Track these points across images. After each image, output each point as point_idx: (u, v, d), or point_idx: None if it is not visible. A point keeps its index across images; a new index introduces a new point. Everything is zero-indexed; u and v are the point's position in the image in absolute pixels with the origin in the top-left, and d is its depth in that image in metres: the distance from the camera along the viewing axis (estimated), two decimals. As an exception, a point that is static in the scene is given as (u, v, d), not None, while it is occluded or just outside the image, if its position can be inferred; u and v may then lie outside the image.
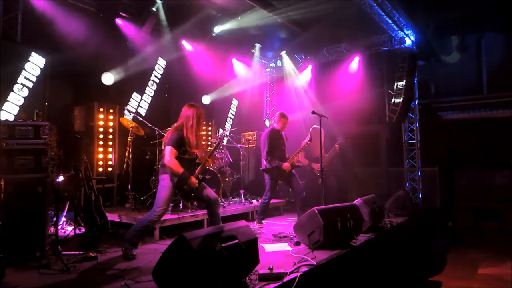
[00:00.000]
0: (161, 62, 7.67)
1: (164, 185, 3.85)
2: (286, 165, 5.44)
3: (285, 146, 5.69)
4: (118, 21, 6.64)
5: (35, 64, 5.39)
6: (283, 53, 9.41)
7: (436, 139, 8.88)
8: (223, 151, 6.78)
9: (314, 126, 6.12)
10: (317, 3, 6.88)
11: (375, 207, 4.99)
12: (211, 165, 6.20)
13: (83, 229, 4.65)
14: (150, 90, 7.44)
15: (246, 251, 2.84)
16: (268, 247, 4.22)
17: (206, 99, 8.63)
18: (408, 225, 6.01)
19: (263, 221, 5.63)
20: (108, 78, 6.35)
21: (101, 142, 6.29)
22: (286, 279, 2.95)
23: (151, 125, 5.97)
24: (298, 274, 3.04)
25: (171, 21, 7.23)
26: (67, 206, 5.16)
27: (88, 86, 6.26)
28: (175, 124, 4.03)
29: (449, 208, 8.70)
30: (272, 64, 10.19)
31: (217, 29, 7.98)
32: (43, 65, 5.45)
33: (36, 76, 5.38)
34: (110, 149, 6.41)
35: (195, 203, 5.64)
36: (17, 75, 5.21)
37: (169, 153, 3.78)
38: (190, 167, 3.96)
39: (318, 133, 5.65)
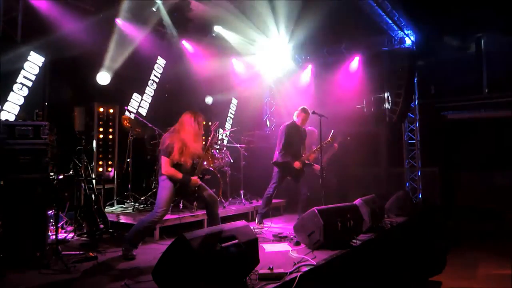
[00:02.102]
0: (161, 61, 7.67)
1: (165, 186, 3.85)
2: (297, 164, 5.38)
3: (303, 143, 5.60)
4: (118, 21, 6.64)
5: (34, 63, 5.39)
6: (283, 52, 9.38)
7: (436, 139, 8.88)
8: (223, 151, 6.77)
9: (308, 127, 6.11)
10: (317, 3, 6.88)
11: (375, 207, 5.00)
12: (211, 165, 6.20)
13: (83, 230, 4.66)
14: (150, 90, 7.44)
15: (246, 251, 2.84)
16: (268, 247, 4.22)
17: (208, 100, 8.63)
18: (408, 225, 6.01)
19: (263, 221, 5.63)
20: (103, 78, 6.30)
21: (101, 142, 6.29)
22: (286, 279, 2.95)
23: (151, 125, 5.97)
24: (298, 274, 3.04)
25: (171, 21, 7.24)
26: (67, 206, 5.16)
27: (88, 86, 6.25)
28: (173, 128, 4.02)
29: (449, 208, 8.70)
30: (272, 64, 10.16)
31: (217, 29, 7.98)
32: (41, 64, 5.45)
33: (35, 75, 5.39)
34: (110, 149, 6.41)
35: (195, 203, 5.63)
36: (17, 75, 5.22)
37: (165, 163, 3.81)
38: (191, 170, 3.96)
39: (314, 135, 5.64)
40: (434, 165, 8.64)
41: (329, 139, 5.64)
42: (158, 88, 7.56)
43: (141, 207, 5.70)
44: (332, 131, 5.83)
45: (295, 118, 5.63)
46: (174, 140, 3.85)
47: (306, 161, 5.59)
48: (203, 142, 5.51)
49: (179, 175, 3.81)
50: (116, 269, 3.42)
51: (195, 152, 3.98)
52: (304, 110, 5.59)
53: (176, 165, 3.86)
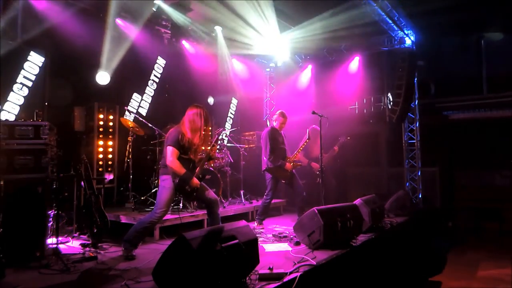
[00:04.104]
0: (161, 61, 7.67)
1: (165, 186, 3.85)
2: (288, 165, 5.45)
3: (285, 145, 5.69)
4: (118, 21, 6.64)
5: (34, 63, 5.39)
6: (283, 52, 9.37)
7: (436, 139, 8.88)
8: (223, 151, 6.77)
9: (313, 126, 6.12)
10: (317, 3, 6.88)
11: (375, 207, 5.00)
12: (212, 164, 6.20)
13: (83, 229, 4.66)
14: (150, 90, 7.44)
15: (246, 251, 2.84)
16: (268, 247, 4.22)
17: (210, 100, 8.65)
18: (408, 225, 6.01)
19: (263, 222, 5.63)
20: (102, 77, 6.29)
21: (101, 142, 6.29)
22: (286, 279, 2.96)
23: (151, 125, 5.97)
24: (298, 274, 3.04)
25: (171, 21, 7.25)
26: (67, 206, 5.16)
27: (88, 86, 6.25)
28: (178, 124, 4.03)
29: (449, 208, 8.70)
30: (272, 64, 10.18)
31: (217, 29, 7.97)
32: (41, 64, 5.45)
33: (35, 75, 5.39)
34: (110, 149, 6.41)
35: (195, 203, 5.64)
36: (17, 75, 5.22)
37: (171, 153, 3.78)
38: (191, 167, 3.96)
39: (317, 133, 5.65)
40: (434, 165, 8.63)
41: (306, 139, 5.69)
42: (158, 88, 7.56)
43: (141, 207, 5.70)
44: (308, 129, 5.84)
45: (274, 123, 5.70)
46: (178, 131, 3.87)
47: (294, 160, 5.63)
48: (207, 143, 5.54)
49: (182, 170, 3.79)
50: (116, 269, 3.42)
51: (197, 146, 3.97)
52: (282, 115, 5.68)
53: (179, 160, 3.84)
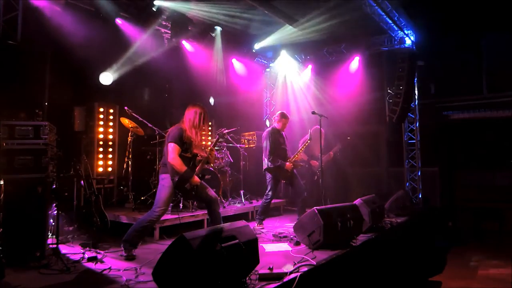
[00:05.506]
0: (161, 61, 7.65)
1: (164, 185, 3.86)
2: (288, 165, 5.45)
3: (286, 146, 5.70)
4: (118, 21, 6.63)
5: (34, 63, 5.37)
6: (283, 52, 9.39)
7: (436, 139, 8.88)
8: (223, 151, 6.77)
9: (315, 126, 6.14)
10: (317, 3, 6.88)
11: (375, 207, 5.00)
12: (212, 165, 6.20)
13: (83, 229, 4.66)
14: (150, 90, 7.43)
15: (246, 251, 2.84)
16: (268, 247, 4.23)
17: (211, 100, 8.65)
18: (408, 225, 6.01)
19: (263, 223, 5.63)
20: (106, 78, 6.30)
21: (101, 142, 6.29)
22: (286, 279, 2.96)
23: (151, 125, 5.97)
24: (298, 274, 3.04)
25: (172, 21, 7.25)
26: (67, 206, 5.15)
27: (88, 86, 6.25)
28: (179, 122, 4.04)
29: (449, 208, 8.70)
30: (272, 64, 10.18)
31: (217, 30, 7.97)
32: (42, 64, 5.43)
33: (35, 75, 5.37)
34: (110, 149, 6.41)
35: (195, 203, 5.64)
36: (17, 74, 5.21)
37: (172, 150, 3.79)
38: (191, 165, 3.96)
39: (318, 133, 5.66)
40: (434, 165, 8.63)
41: (308, 139, 5.67)
42: (158, 88, 7.55)
43: (141, 207, 5.70)
44: (310, 130, 5.82)
45: (275, 124, 5.69)
46: (180, 129, 3.88)
47: (299, 162, 5.64)
48: (205, 142, 5.52)
49: (183, 167, 3.80)
50: (116, 269, 3.42)
51: (197, 144, 3.98)
52: (284, 115, 5.68)
53: (180, 157, 3.84)
